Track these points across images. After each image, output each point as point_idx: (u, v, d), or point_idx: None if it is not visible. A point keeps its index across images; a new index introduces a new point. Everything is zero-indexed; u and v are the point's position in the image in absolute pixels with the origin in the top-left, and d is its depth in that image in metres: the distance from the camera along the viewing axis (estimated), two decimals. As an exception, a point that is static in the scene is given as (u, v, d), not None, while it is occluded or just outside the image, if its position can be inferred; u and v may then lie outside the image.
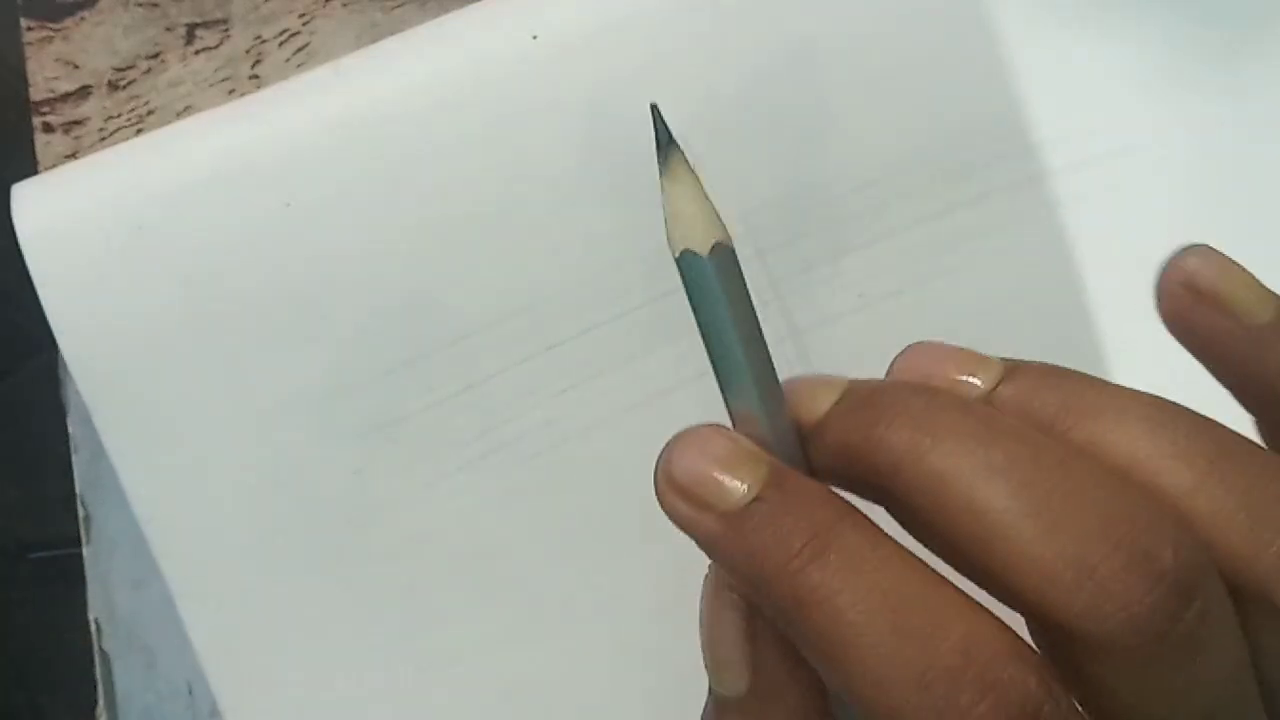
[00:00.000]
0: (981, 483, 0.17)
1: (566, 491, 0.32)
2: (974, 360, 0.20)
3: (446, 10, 0.33)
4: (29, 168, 0.34)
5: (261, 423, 0.31)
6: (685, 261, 0.19)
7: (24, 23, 0.36)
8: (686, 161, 0.19)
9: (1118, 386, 0.19)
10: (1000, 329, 0.32)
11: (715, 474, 0.18)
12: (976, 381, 0.20)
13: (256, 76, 0.35)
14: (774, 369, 0.19)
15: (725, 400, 0.20)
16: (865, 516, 0.19)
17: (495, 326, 0.32)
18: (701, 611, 0.20)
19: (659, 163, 0.19)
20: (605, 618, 0.32)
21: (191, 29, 0.35)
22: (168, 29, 0.35)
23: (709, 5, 0.32)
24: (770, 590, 0.18)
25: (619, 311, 0.32)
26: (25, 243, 0.31)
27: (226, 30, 0.35)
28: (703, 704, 0.34)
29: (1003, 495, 0.17)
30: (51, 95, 0.35)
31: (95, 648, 0.35)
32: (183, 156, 0.31)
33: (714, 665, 0.20)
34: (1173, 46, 0.33)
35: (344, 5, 0.35)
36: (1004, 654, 0.17)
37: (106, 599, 0.35)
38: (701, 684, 0.34)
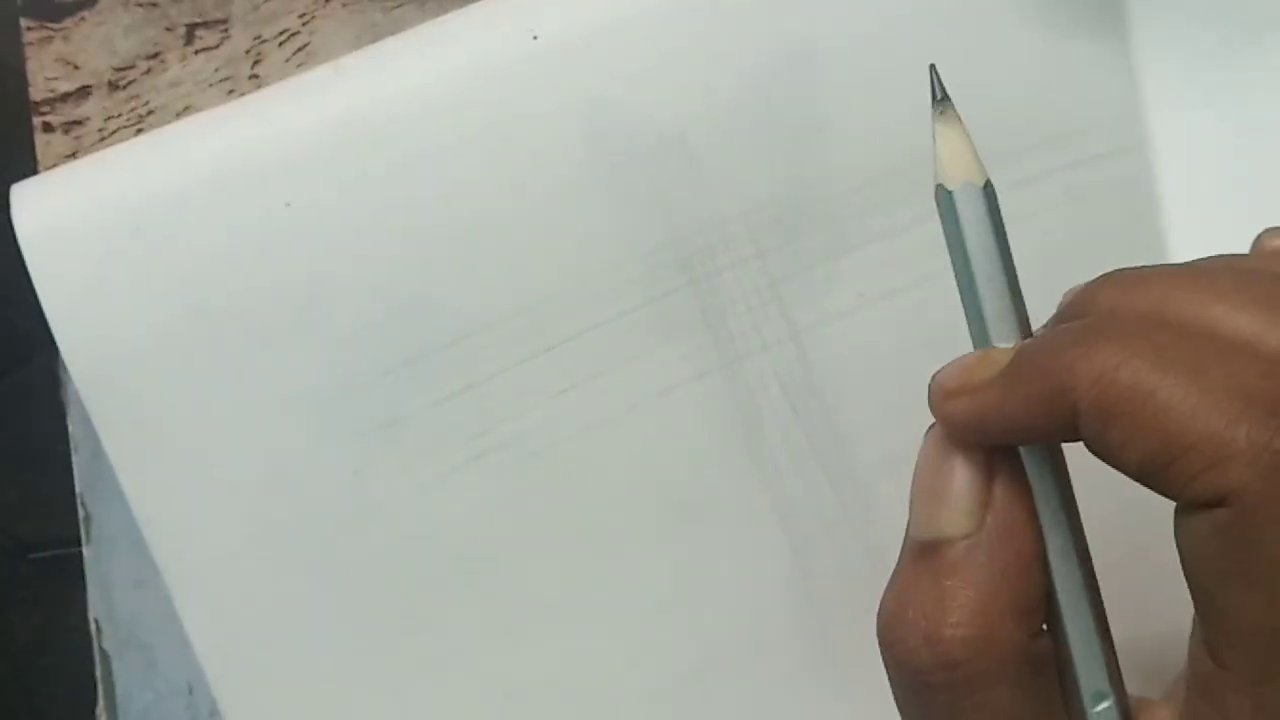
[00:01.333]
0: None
1: (566, 492, 0.32)
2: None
3: (446, 10, 0.33)
4: (29, 167, 0.34)
5: (260, 423, 0.31)
6: (957, 195, 0.22)
7: (24, 23, 0.36)
8: (958, 113, 0.22)
9: (1193, 269, 0.21)
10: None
11: (973, 359, 0.22)
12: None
13: (256, 76, 0.35)
14: (1023, 302, 0.22)
15: (982, 329, 0.22)
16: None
17: (495, 326, 0.32)
18: (920, 466, 0.22)
19: (933, 113, 0.22)
20: (604, 618, 0.32)
21: (191, 29, 0.35)
22: (167, 29, 0.35)
23: (709, 5, 0.32)
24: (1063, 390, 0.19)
25: (619, 311, 0.32)
26: (25, 242, 0.31)
27: (226, 30, 0.35)
28: (702, 704, 0.34)
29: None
30: (51, 95, 0.35)
31: (95, 647, 0.35)
32: (182, 156, 0.31)
33: (938, 510, 0.21)
34: (1173, 47, 0.33)
35: (344, 5, 0.36)
36: None
37: (106, 598, 0.35)
38: (701, 684, 0.34)
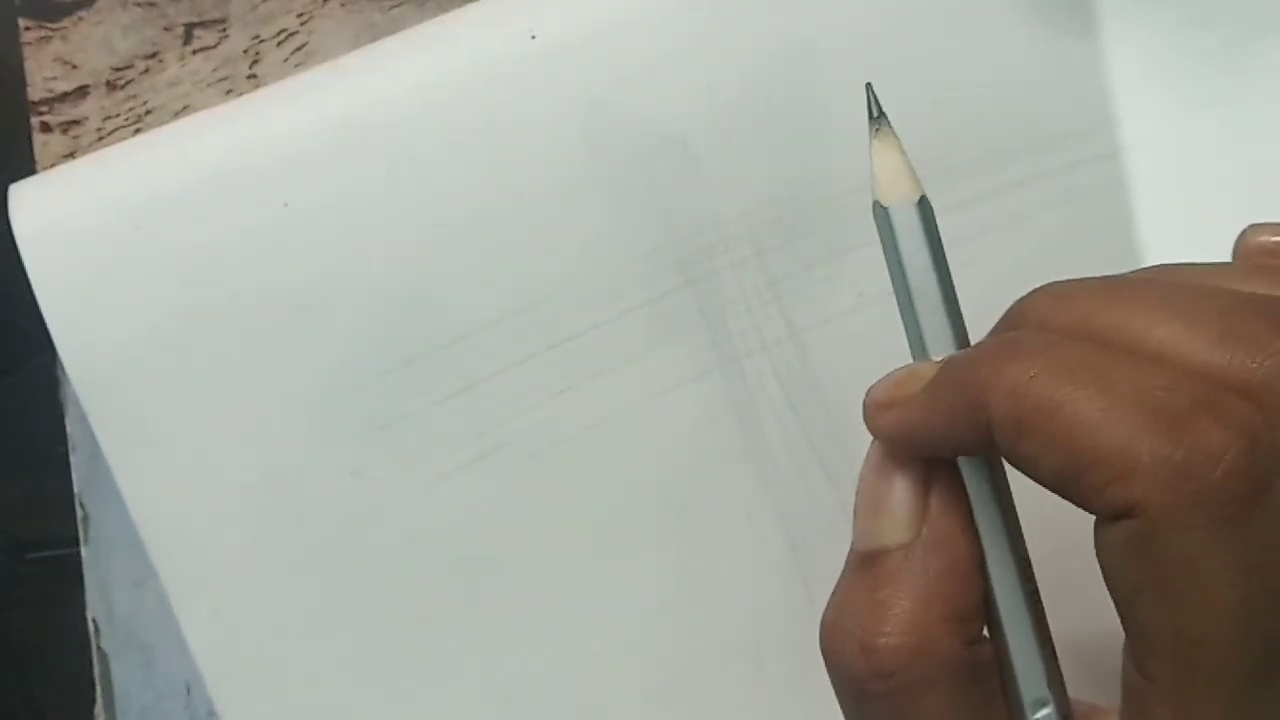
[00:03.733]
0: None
1: (566, 492, 0.32)
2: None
3: (445, 10, 0.33)
4: (27, 167, 0.34)
5: (259, 423, 0.31)
6: (893, 211, 0.22)
7: (22, 22, 0.36)
8: (893, 131, 0.23)
9: (1119, 283, 0.21)
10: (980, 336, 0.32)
11: (903, 374, 0.22)
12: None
13: (254, 76, 0.35)
14: (962, 317, 0.22)
15: (919, 342, 0.22)
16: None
17: (494, 326, 0.32)
18: (863, 477, 0.23)
19: (870, 131, 0.23)
20: (605, 618, 0.32)
21: (189, 29, 0.35)
22: (166, 29, 0.35)
23: (709, 5, 0.32)
24: (981, 407, 0.20)
25: (618, 311, 0.32)
26: (23, 242, 0.31)
27: (224, 30, 0.35)
28: (702, 704, 0.34)
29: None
30: (49, 95, 0.35)
31: (94, 647, 0.35)
32: (181, 157, 0.31)
33: (877, 521, 0.22)
34: (1172, 47, 0.33)
35: (342, 5, 0.35)
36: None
37: (105, 598, 0.35)
38: (701, 684, 0.34)
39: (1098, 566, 0.20)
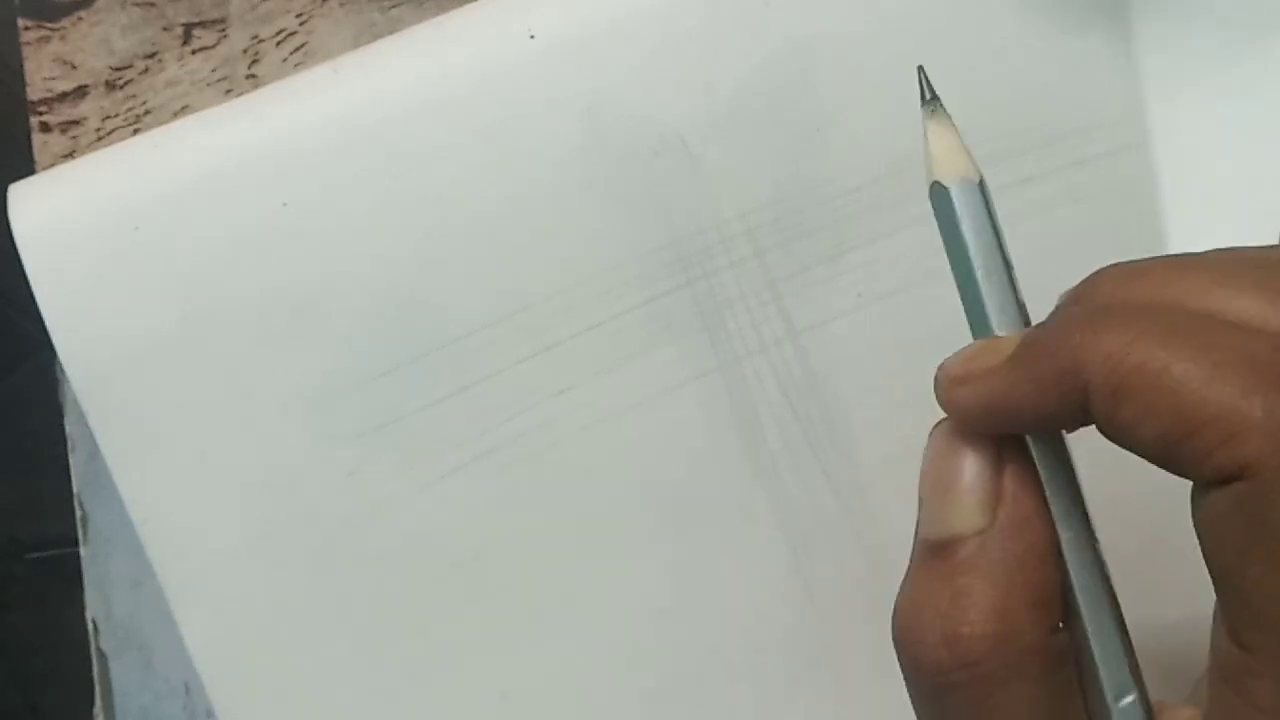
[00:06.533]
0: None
1: (564, 492, 0.32)
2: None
3: (444, 10, 0.33)
4: (26, 167, 0.34)
5: (257, 423, 0.31)
6: (954, 191, 0.22)
7: (21, 22, 0.35)
8: (947, 112, 0.23)
9: (1187, 259, 0.21)
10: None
11: (979, 347, 0.22)
12: None
13: (254, 76, 0.35)
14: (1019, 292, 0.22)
15: (983, 321, 0.22)
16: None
17: (493, 327, 0.32)
18: (928, 463, 0.22)
19: (925, 114, 0.23)
20: (603, 618, 0.32)
21: (189, 29, 0.35)
22: (165, 29, 0.35)
23: (709, 5, 0.31)
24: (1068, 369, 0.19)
25: (617, 311, 0.32)
26: (22, 242, 0.31)
27: (223, 30, 0.35)
28: (701, 704, 0.33)
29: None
30: (49, 95, 0.35)
31: (92, 647, 0.35)
32: (179, 156, 0.31)
33: (949, 506, 0.21)
34: (1175, 46, 0.33)
35: (341, 5, 0.35)
36: None
37: (104, 598, 0.35)
38: (700, 685, 0.33)
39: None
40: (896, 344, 0.32)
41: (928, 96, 0.23)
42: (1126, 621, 0.21)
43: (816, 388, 0.32)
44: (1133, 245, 0.32)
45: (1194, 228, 0.33)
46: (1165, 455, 0.19)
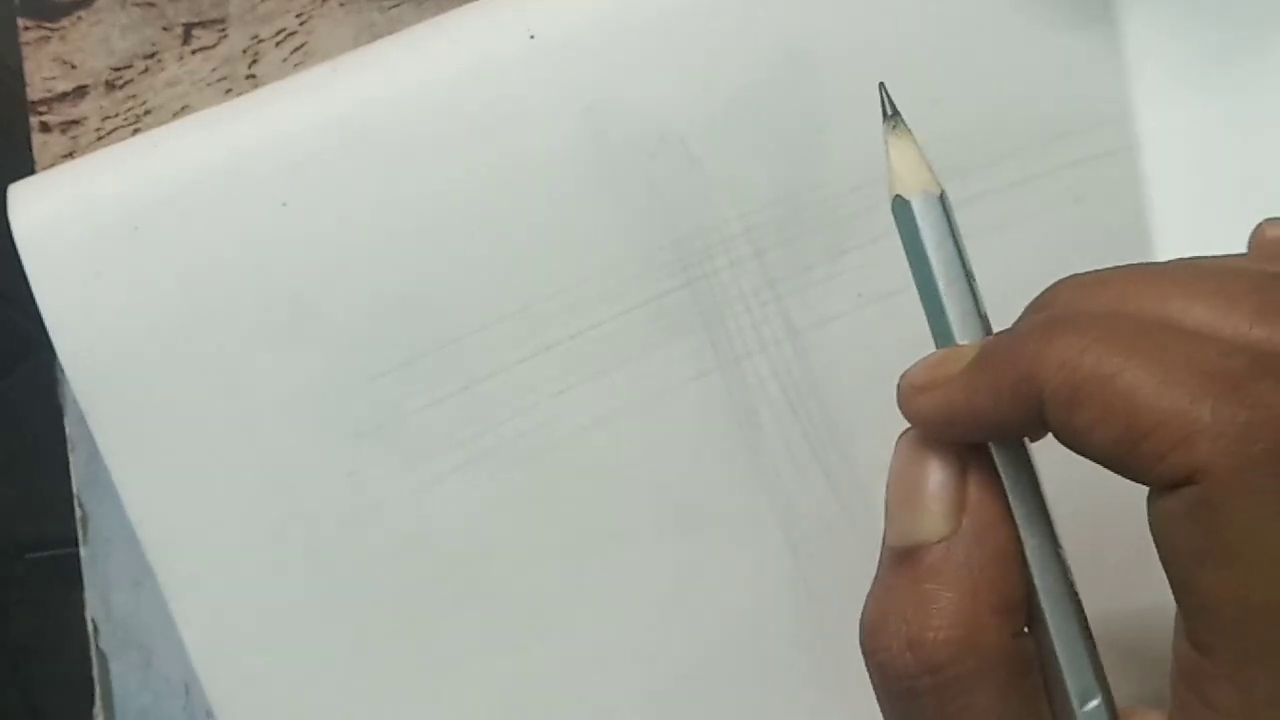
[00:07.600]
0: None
1: (564, 492, 0.32)
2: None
3: (443, 10, 0.33)
4: (26, 167, 0.34)
5: (256, 424, 0.31)
6: (916, 204, 0.23)
7: (21, 22, 0.35)
8: (908, 128, 0.23)
9: (1148, 268, 0.21)
10: (999, 327, 0.32)
11: (940, 355, 0.22)
12: None
13: (253, 76, 0.35)
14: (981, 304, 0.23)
15: (946, 331, 0.23)
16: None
17: (492, 326, 0.32)
18: (894, 472, 0.22)
19: (885, 129, 0.23)
20: (603, 618, 0.32)
21: (188, 29, 0.35)
22: (165, 29, 0.35)
23: (708, 5, 0.31)
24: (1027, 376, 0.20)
25: (617, 311, 0.32)
26: (21, 242, 0.31)
27: (223, 30, 0.35)
28: (702, 704, 0.34)
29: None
30: (48, 95, 0.35)
31: (92, 647, 0.35)
32: (179, 156, 0.31)
33: (914, 514, 0.21)
34: (1171, 46, 0.33)
35: (341, 5, 0.35)
36: None
37: (104, 598, 0.35)
38: (701, 685, 0.33)
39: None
40: (896, 344, 0.32)
41: (889, 112, 0.24)
42: (1098, 626, 0.21)
43: (816, 388, 0.32)
44: (1131, 244, 0.32)
45: (1183, 230, 0.33)
46: (1119, 460, 0.19)
